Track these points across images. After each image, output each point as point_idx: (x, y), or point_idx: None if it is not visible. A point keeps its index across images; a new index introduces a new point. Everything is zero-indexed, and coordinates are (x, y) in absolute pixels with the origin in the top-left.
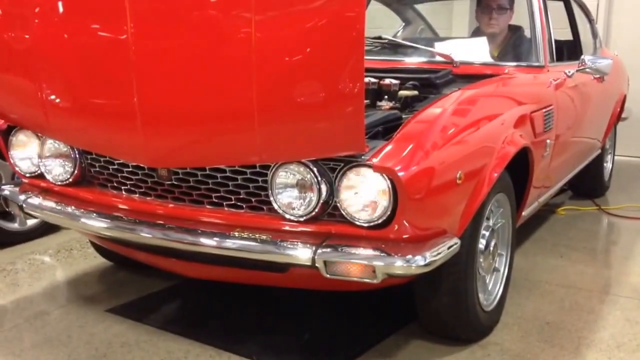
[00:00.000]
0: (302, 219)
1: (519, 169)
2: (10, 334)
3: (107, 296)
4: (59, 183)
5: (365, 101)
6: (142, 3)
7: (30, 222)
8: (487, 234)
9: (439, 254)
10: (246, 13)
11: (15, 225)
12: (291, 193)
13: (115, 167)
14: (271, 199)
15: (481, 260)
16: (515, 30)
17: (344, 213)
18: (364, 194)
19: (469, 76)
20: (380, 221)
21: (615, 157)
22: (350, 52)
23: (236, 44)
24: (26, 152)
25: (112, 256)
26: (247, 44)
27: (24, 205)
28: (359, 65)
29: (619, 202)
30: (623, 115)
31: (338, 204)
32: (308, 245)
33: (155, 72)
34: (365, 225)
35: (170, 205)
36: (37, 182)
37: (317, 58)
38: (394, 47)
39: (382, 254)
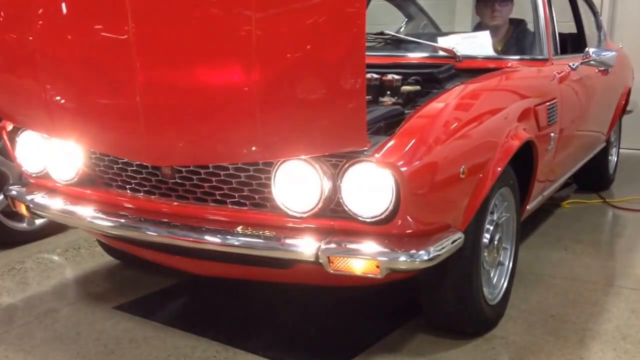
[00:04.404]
0: (305, 216)
1: (524, 163)
2: (20, 331)
3: (115, 294)
4: (65, 182)
5: (367, 97)
6: (142, 3)
7: (39, 222)
8: (491, 228)
9: (442, 248)
10: (247, 11)
11: (23, 225)
12: (294, 190)
13: (120, 166)
14: (274, 195)
15: (485, 254)
16: (518, 23)
17: (347, 209)
18: (366, 189)
19: (472, 70)
20: (383, 216)
21: (620, 150)
22: (351, 48)
23: (237, 42)
24: (32, 152)
25: (120, 254)
26: (248, 42)
27: (30, 205)
28: (360, 61)
29: (623, 194)
30: (628, 109)
31: (341, 200)
32: (312, 242)
33: (157, 71)
34: (369, 220)
35: (175, 203)
36: (43, 182)
37: (318, 55)
38: (396, 43)
39: (385, 249)
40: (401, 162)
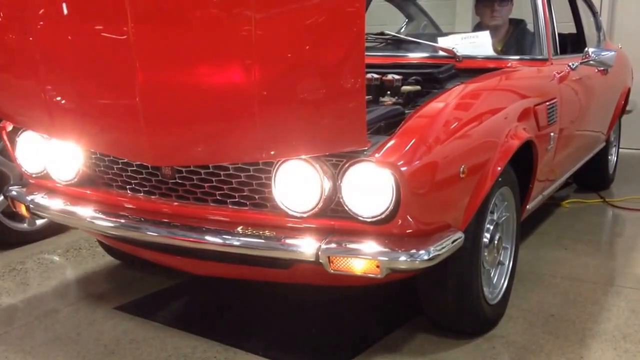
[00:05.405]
0: (305, 215)
1: (523, 163)
2: (21, 332)
3: (116, 294)
4: (65, 183)
5: (368, 97)
6: (142, 3)
7: (39, 222)
8: (491, 227)
9: (443, 248)
10: (247, 11)
11: (24, 226)
12: (294, 190)
13: (120, 166)
14: (274, 195)
15: (485, 253)
16: (518, 23)
17: (347, 209)
18: (366, 189)
19: (472, 70)
20: (383, 216)
21: (620, 150)
22: (351, 48)
23: (237, 42)
24: (31, 152)
25: (120, 255)
26: (248, 42)
27: (30, 206)
28: (359, 61)
29: (623, 194)
30: (627, 108)
31: (341, 200)
32: (312, 242)
33: (157, 71)
34: (369, 220)
35: (175, 203)
36: (43, 182)
37: (318, 55)
38: (397, 43)
39: (386, 249)
40: (401, 162)
